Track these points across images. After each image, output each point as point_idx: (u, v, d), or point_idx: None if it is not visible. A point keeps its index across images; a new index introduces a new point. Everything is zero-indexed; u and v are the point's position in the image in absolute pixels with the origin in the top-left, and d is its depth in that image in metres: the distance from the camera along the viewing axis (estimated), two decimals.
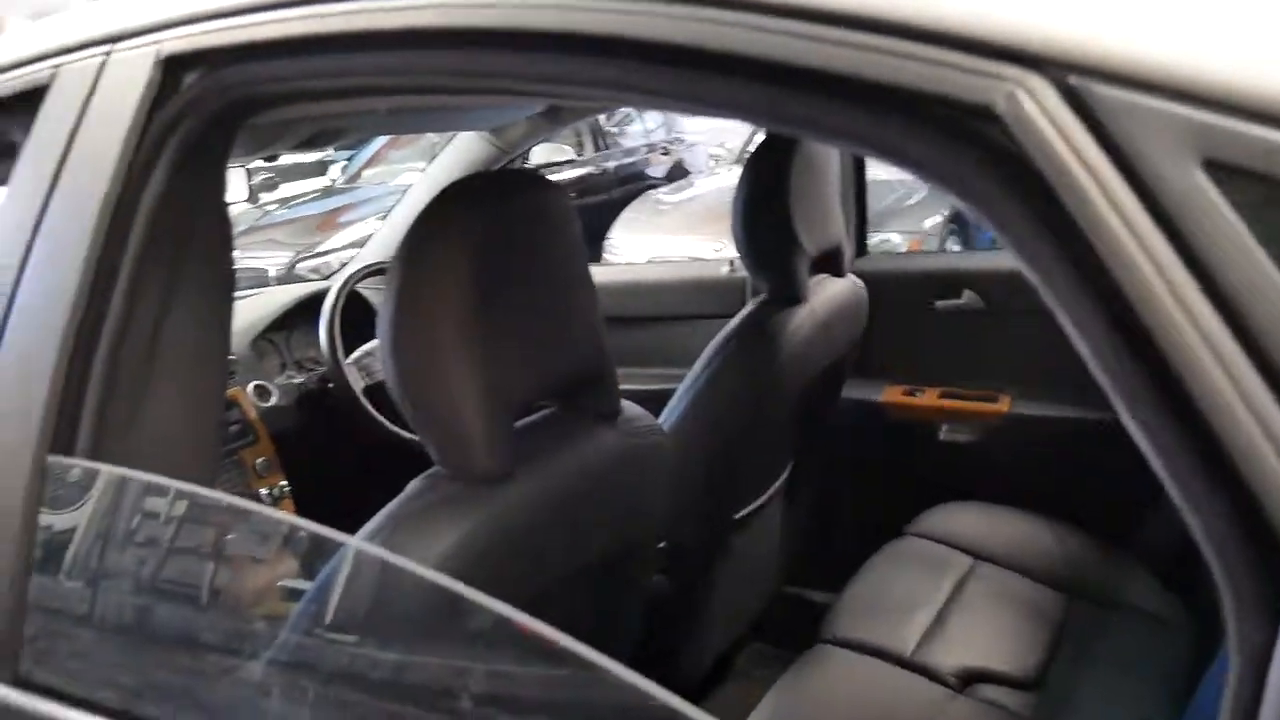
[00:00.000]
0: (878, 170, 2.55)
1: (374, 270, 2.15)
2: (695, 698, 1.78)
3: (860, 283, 1.83)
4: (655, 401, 1.44)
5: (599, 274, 1.24)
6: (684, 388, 1.55)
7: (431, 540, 0.89)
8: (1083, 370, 0.56)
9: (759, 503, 1.72)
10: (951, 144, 0.57)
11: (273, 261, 5.45)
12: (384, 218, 2.65)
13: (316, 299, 2.12)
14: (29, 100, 0.89)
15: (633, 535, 1.21)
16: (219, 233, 0.92)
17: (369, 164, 7.59)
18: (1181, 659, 1.42)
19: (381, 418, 1.99)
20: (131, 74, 0.83)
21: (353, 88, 0.83)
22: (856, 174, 2.20)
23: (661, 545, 1.46)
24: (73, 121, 0.86)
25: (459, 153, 2.26)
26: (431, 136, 4.11)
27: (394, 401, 0.97)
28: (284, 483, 1.98)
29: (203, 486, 0.81)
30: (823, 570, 1.98)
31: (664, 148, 8.27)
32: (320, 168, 7.86)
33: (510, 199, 1.01)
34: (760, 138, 1.66)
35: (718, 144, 8.58)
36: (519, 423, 1.05)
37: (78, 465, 0.80)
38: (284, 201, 7.07)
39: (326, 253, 5.53)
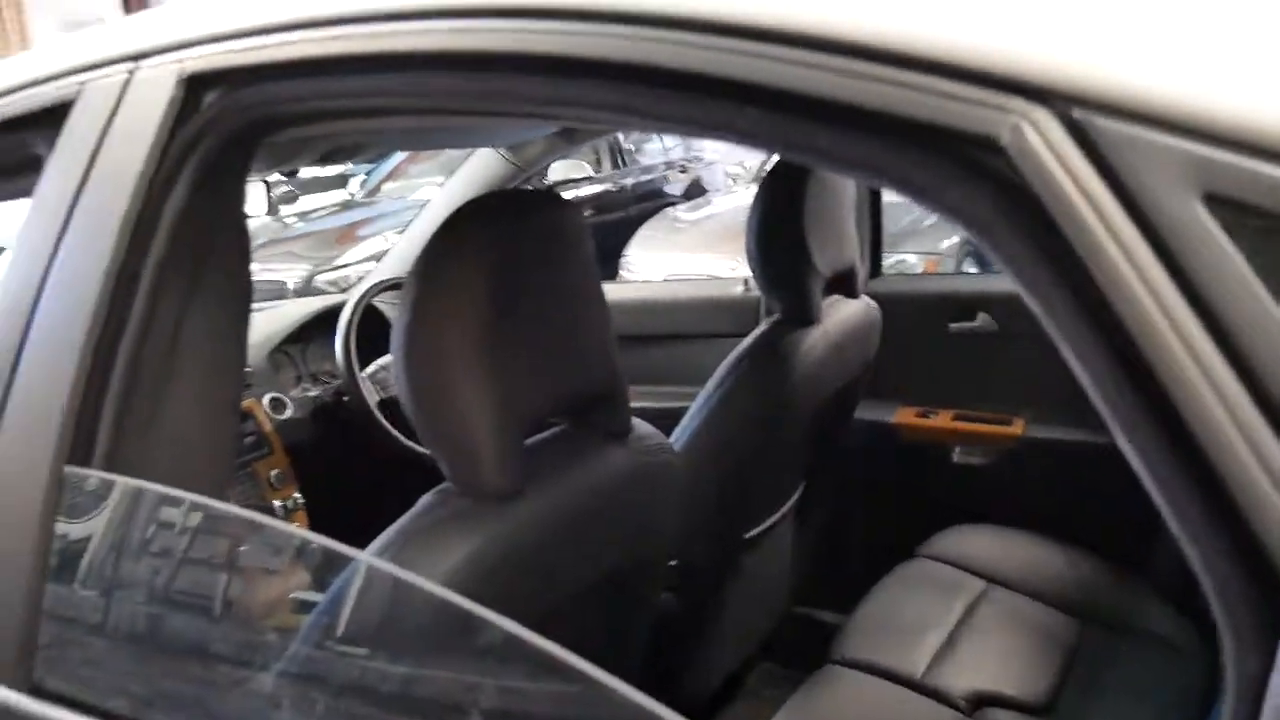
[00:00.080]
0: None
1: (390, 285, 2.16)
2: (704, 717, 1.78)
3: (874, 304, 1.83)
4: (668, 419, 1.45)
5: (613, 292, 1.25)
6: (696, 406, 1.56)
7: (440, 556, 0.90)
8: None
9: (770, 522, 1.72)
10: (956, 174, 0.57)
11: (291, 274, 5.47)
12: (402, 232, 2.66)
13: (333, 313, 2.13)
14: (55, 115, 0.91)
15: (643, 553, 1.21)
16: (237, 247, 0.93)
17: (388, 178, 7.63)
18: (1194, 686, 1.41)
19: (396, 432, 2.00)
20: (154, 92, 0.85)
21: (370, 108, 0.84)
22: (872, 196, 2.20)
23: (672, 564, 1.46)
24: (97, 137, 0.87)
25: (477, 169, 2.27)
26: (450, 152, 4.14)
27: (407, 416, 0.98)
28: (298, 495, 1.98)
29: (216, 497, 0.82)
30: (833, 591, 1.97)
31: (682, 166, 8.28)
32: (340, 181, 7.90)
33: (525, 217, 1.02)
34: (777, 157, 1.67)
35: (736, 162, 8.59)
36: (530, 440, 1.05)
37: (94, 476, 0.81)
38: (303, 215, 7.11)
39: (344, 266, 5.55)
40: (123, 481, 0.81)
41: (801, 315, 1.60)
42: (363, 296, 2.11)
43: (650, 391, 2.16)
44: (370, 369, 2.06)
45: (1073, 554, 1.75)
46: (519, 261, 0.98)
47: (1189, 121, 0.51)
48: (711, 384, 1.56)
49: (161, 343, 0.84)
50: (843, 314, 1.71)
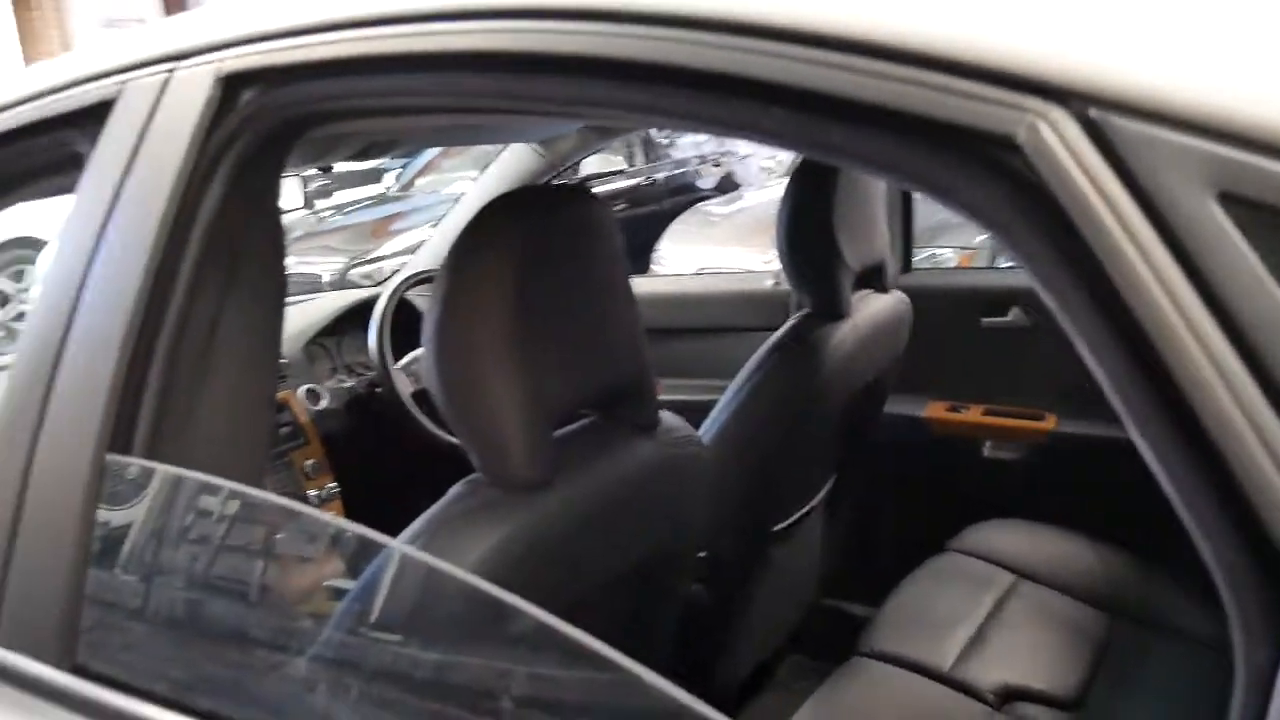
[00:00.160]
0: None
1: (424, 278, 2.18)
2: (732, 708, 1.79)
3: (904, 298, 1.82)
4: (697, 412, 1.46)
5: (643, 285, 1.26)
6: (725, 399, 1.56)
7: (469, 545, 0.91)
8: None
9: (799, 515, 1.72)
10: (975, 173, 0.58)
11: (326, 267, 5.52)
12: (435, 225, 2.69)
13: (367, 305, 2.16)
14: (97, 114, 0.93)
15: (670, 545, 1.22)
16: (272, 242, 0.94)
17: (422, 172, 7.66)
18: (1224, 682, 1.40)
19: (428, 422, 2.02)
20: (192, 92, 0.87)
21: (403, 106, 0.86)
22: (903, 191, 2.20)
23: (701, 555, 1.47)
24: (137, 135, 0.89)
25: (509, 164, 2.28)
26: (483, 146, 4.16)
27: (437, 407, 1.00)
28: (333, 484, 2.02)
29: (252, 486, 0.84)
30: (863, 584, 1.97)
31: (715, 159, 8.26)
32: (375, 175, 7.95)
33: (555, 212, 1.03)
34: None
35: (769, 156, 8.55)
36: (558, 431, 1.06)
37: (134, 464, 0.83)
38: (339, 208, 7.16)
39: (379, 260, 5.59)
40: (162, 469, 0.83)
41: (831, 309, 1.60)
42: (396, 289, 2.13)
43: (680, 384, 2.17)
44: (404, 361, 2.08)
45: (1103, 549, 1.74)
46: (549, 256, 0.99)
47: (1204, 120, 0.52)
48: (741, 377, 1.57)
49: (198, 337, 0.86)
50: (872, 308, 1.71)
